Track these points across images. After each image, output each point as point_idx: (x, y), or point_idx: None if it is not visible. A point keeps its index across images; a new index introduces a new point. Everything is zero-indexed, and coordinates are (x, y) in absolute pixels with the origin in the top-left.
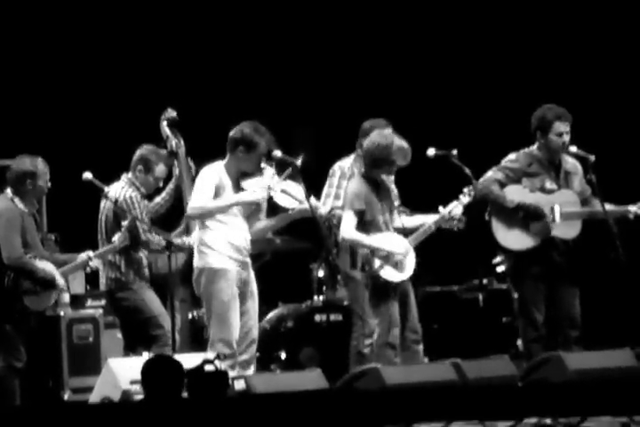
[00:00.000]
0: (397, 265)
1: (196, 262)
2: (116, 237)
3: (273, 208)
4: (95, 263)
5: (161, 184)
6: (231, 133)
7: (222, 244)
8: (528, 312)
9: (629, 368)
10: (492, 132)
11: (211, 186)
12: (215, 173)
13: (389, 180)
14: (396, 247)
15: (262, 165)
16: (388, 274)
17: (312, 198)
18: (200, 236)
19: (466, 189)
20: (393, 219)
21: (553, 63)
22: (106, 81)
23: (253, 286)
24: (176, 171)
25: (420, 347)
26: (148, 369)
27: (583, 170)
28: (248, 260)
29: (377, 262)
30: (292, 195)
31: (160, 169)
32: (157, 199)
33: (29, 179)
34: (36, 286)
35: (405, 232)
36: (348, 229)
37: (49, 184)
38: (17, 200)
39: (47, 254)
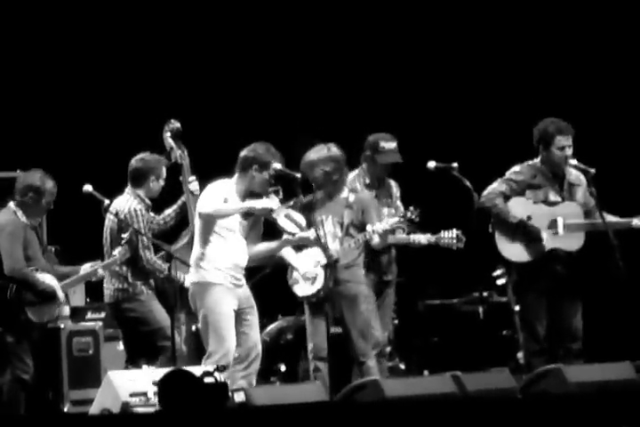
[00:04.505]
0: (312, 281)
1: (194, 277)
2: (116, 251)
3: (269, 232)
4: (100, 273)
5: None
6: (244, 153)
7: (222, 260)
8: (530, 325)
9: (629, 381)
10: (492, 145)
11: (221, 195)
12: (225, 188)
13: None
14: (300, 263)
15: (269, 189)
16: (298, 288)
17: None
18: (200, 250)
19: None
20: (352, 233)
21: (554, 76)
22: (108, 92)
23: (252, 301)
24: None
25: (363, 366)
26: (165, 382)
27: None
28: (243, 278)
29: (291, 278)
30: (295, 220)
31: (164, 170)
32: (168, 211)
33: (33, 193)
34: (38, 298)
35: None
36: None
37: (52, 205)
38: (20, 213)
39: (49, 267)
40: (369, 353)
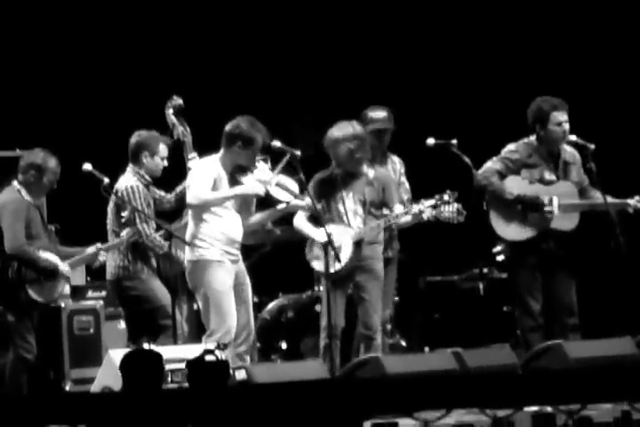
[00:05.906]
0: (336, 257)
1: (190, 255)
2: (124, 232)
3: (262, 202)
4: (103, 257)
5: (166, 163)
6: (227, 128)
7: (217, 237)
8: (524, 302)
9: (630, 356)
10: (491, 121)
11: (210, 177)
12: (212, 165)
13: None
14: (320, 237)
15: (256, 158)
16: (318, 264)
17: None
18: (194, 228)
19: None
20: (373, 211)
21: (552, 52)
22: (109, 69)
23: (247, 279)
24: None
25: (374, 342)
26: (127, 362)
27: (582, 159)
28: (239, 253)
29: (311, 252)
30: (287, 188)
31: (163, 148)
32: (179, 188)
33: (34, 171)
34: (40, 276)
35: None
36: (296, 217)
37: (55, 184)
38: (24, 192)
39: (51, 246)
40: (379, 330)
